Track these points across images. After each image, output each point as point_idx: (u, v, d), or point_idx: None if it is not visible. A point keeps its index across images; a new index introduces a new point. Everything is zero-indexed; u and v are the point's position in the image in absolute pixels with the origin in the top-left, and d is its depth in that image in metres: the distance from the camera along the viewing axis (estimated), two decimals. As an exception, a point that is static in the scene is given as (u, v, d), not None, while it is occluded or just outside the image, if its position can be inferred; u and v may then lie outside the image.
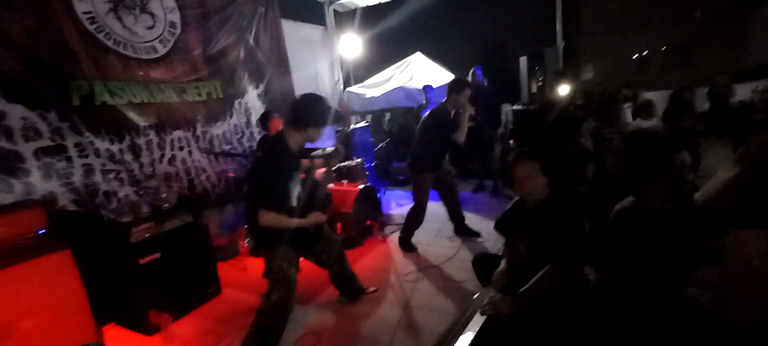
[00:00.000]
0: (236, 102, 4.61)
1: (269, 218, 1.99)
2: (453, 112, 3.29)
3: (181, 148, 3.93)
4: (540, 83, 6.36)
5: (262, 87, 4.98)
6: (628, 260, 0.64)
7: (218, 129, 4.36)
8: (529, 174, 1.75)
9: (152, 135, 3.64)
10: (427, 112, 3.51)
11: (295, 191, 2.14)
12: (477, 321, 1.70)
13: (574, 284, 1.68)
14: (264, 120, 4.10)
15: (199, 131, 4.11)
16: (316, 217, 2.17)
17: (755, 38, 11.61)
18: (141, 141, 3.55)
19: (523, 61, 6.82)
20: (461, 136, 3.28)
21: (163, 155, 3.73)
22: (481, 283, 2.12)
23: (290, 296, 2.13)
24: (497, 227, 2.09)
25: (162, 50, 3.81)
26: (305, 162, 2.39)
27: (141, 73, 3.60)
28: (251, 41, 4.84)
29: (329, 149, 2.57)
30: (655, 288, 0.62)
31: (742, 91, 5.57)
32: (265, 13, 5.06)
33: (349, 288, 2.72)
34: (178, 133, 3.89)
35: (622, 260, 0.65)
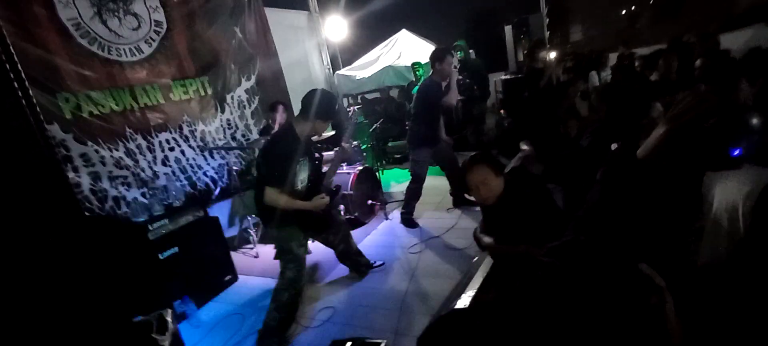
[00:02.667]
0: (228, 96, 4.64)
1: (274, 197, 2.12)
2: (444, 84, 3.39)
3: (172, 149, 3.93)
4: (526, 51, 6.40)
5: (253, 79, 5.01)
6: (588, 212, 0.77)
7: (209, 126, 4.37)
8: (483, 180, 1.74)
9: (140, 139, 3.65)
10: (417, 89, 3.61)
11: (301, 175, 2.27)
12: (477, 281, 1.89)
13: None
14: (270, 110, 4.20)
15: (186, 130, 4.10)
16: (320, 201, 2.29)
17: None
18: (132, 146, 3.58)
19: (508, 30, 6.83)
20: (453, 97, 3.41)
21: (155, 157, 3.77)
22: (482, 249, 2.28)
23: (302, 273, 2.35)
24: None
25: (148, 50, 3.80)
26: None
27: (126, 75, 3.60)
28: (239, 33, 4.84)
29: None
30: (615, 242, 0.73)
31: (729, 40, 5.45)
32: (249, 3, 5.03)
33: (357, 263, 2.91)
34: (164, 136, 3.87)
35: (585, 214, 0.78)
